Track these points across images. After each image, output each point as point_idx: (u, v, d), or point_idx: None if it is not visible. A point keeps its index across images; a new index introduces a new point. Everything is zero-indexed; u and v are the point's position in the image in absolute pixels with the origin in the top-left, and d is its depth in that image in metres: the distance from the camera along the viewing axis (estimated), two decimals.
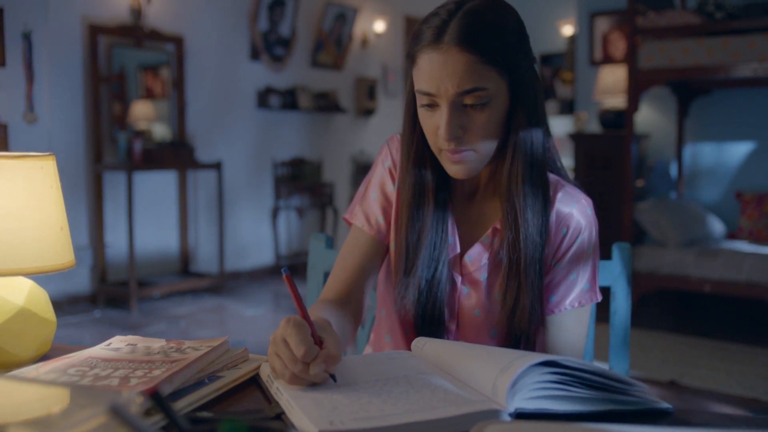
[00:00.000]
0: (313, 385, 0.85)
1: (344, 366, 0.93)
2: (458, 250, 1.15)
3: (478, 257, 1.15)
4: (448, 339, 1.17)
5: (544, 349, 1.15)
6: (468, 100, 1.02)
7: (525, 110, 1.06)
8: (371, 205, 1.21)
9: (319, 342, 0.85)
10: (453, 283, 1.16)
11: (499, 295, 1.12)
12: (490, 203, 1.16)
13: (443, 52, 1.01)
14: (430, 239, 1.13)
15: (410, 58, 1.07)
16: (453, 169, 1.07)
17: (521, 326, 1.10)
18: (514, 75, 1.04)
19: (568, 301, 1.13)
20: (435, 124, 1.05)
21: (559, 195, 1.13)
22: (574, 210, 1.13)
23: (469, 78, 1.00)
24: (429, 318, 1.14)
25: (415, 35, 1.06)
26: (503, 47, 1.02)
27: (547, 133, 1.12)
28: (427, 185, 1.13)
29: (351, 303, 1.15)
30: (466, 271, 1.15)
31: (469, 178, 1.10)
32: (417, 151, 1.13)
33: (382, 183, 1.21)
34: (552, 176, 1.15)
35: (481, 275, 1.15)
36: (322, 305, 1.10)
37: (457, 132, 1.03)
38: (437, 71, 1.01)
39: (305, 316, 0.86)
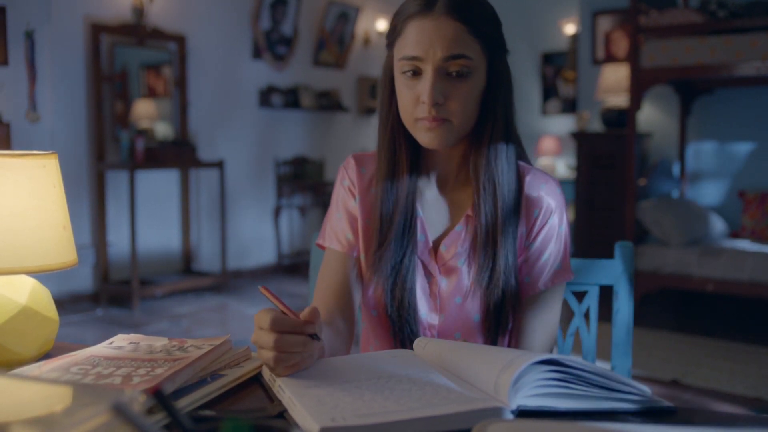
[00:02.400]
0: (315, 380, 0.85)
1: (346, 364, 0.94)
2: (430, 245, 1.18)
3: (453, 245, 1.17)
4: (431, 334, 1.19)
5: (520, 329, 1.17)
6: (452, 67, 1.06)
7: (500, 93, 1.11)
8: (338, 225, 1.24)
9: (296, 316, 0.90)
10: (431, 276, 1.18)
11: (475, 277, 1.13)
12: (462, 192, 1.19)
13: (434, 19, 1.05)
14: (398, 225, 1.14)
15: (393, 32, 1.11)
16: (427, 138, 1.09)
17: (500, 307, 1.13)
18: (493, 55, 1.10)
19: (541, 282, 1.16)
20: (415, 94, 1.08)
21: (528, 178, 1.17)
22: (543, 192, 1.17)
23: (457, 44, 1.05)
24: (400, 302, 1.15)
25: (400, 10, 1.10)
26: (487, 23, 1.08)
27: (515, 134, 1.15)
28: (401, 156, 1.16)
29: (338, 321, 1.16)
30: (442, 261, 1.17)
31: (441, 148, 1.13)
32: (391, 130, 1.15)
33: (344, 201, 1.24)
34: (520, 162, 1.18)
35: (458, 262, 1.17)
36: None
37: (438, 98, 1.06)
38: (427, 36, 1.05)
39: (289, 311, 0.90)
